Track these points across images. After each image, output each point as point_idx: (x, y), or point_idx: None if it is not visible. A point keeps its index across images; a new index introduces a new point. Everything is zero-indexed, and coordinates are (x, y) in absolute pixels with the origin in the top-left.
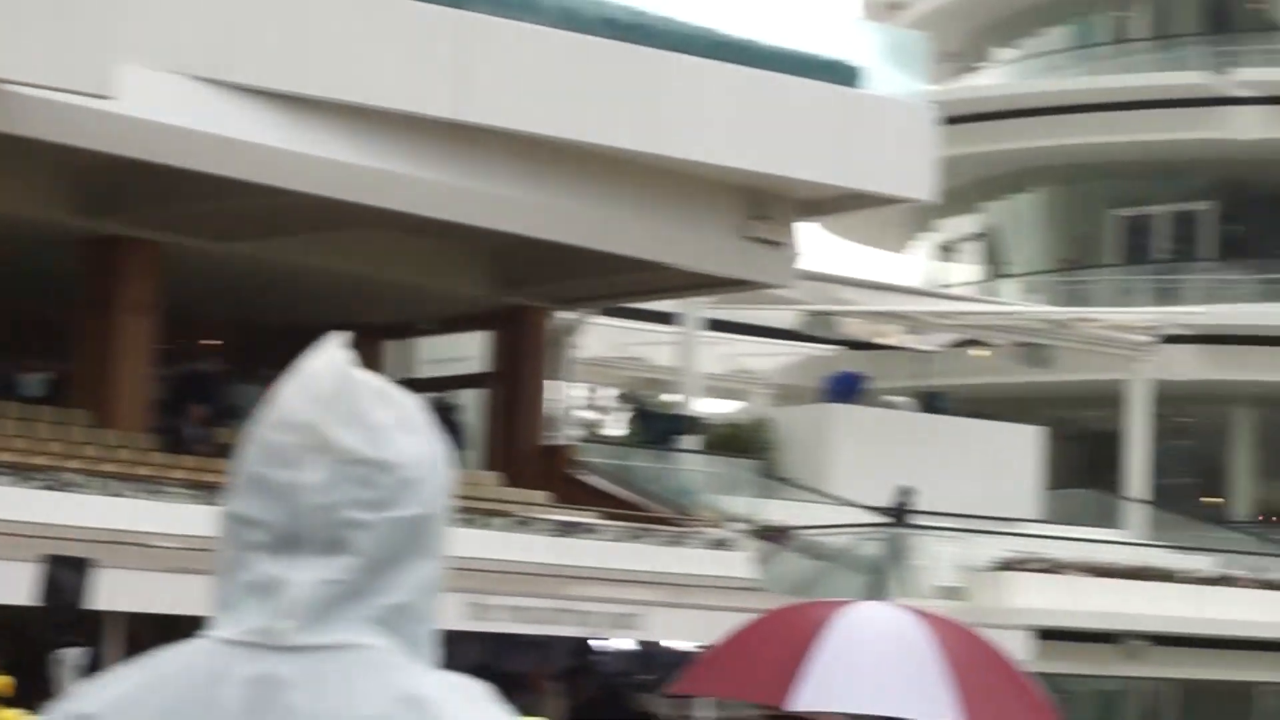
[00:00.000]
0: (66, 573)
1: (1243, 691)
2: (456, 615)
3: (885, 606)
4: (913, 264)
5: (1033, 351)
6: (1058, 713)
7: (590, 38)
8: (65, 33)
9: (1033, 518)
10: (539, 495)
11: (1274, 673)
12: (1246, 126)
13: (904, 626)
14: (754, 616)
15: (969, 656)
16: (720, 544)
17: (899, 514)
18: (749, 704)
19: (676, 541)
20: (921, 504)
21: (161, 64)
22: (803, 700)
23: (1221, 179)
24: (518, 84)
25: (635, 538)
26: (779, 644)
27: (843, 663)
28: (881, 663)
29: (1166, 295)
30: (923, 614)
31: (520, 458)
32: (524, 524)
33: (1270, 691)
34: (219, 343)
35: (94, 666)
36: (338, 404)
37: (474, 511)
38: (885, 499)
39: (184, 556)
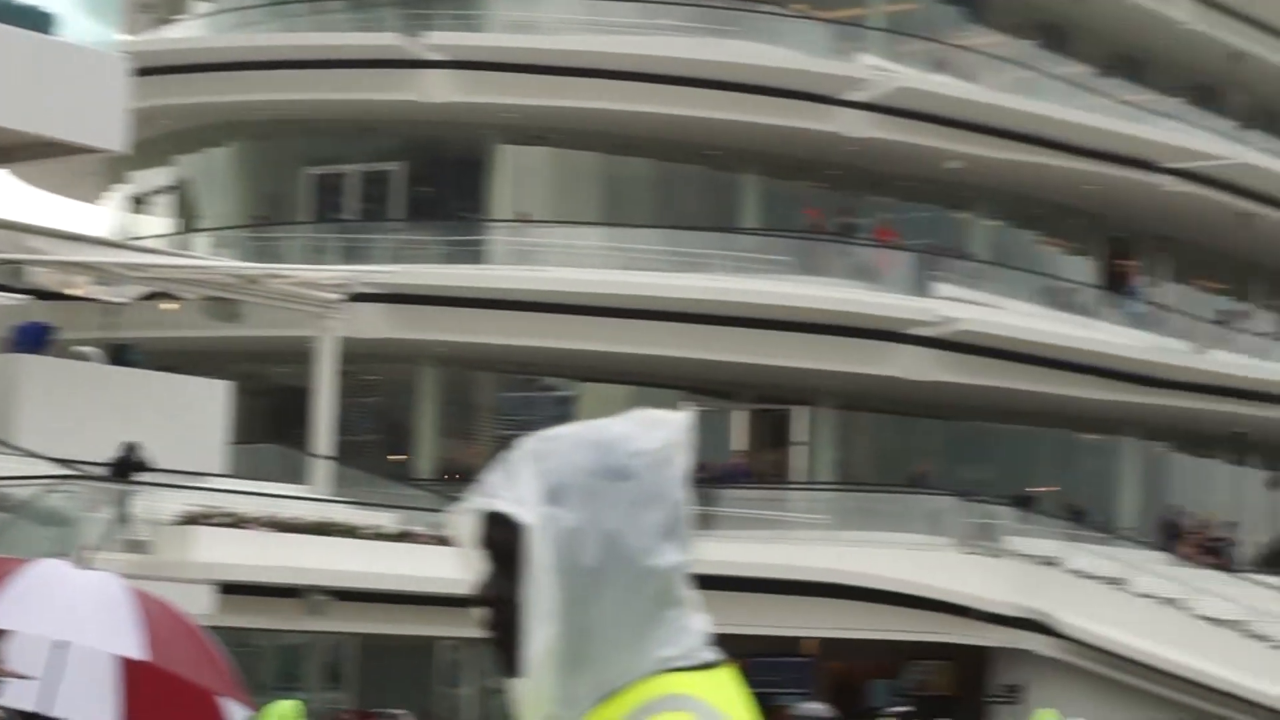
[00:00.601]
0: None
1: (424, 646)
2: None
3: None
4: (106, 215)
5: (222, 306)
6: (236, 669)
7: None
8: None
9: (219, 472)
10: None
11: (453, 627)
12: (436, 89)
13: (101, 577)
14: None
15: (158, 611)
16: None
17: (124, 468)
18: None
19: None
20: (107, 456)
21: None
22: None
23: (411, 140)
24: None
25: None
26: None
27: (39, 593)
28: (78, 598)
29: (356, 254)
30: (115, 573)
31: None
32: None
33: (449, 646)
34: None
35: None
36: None
37: None
38: (79, 451)
39: None
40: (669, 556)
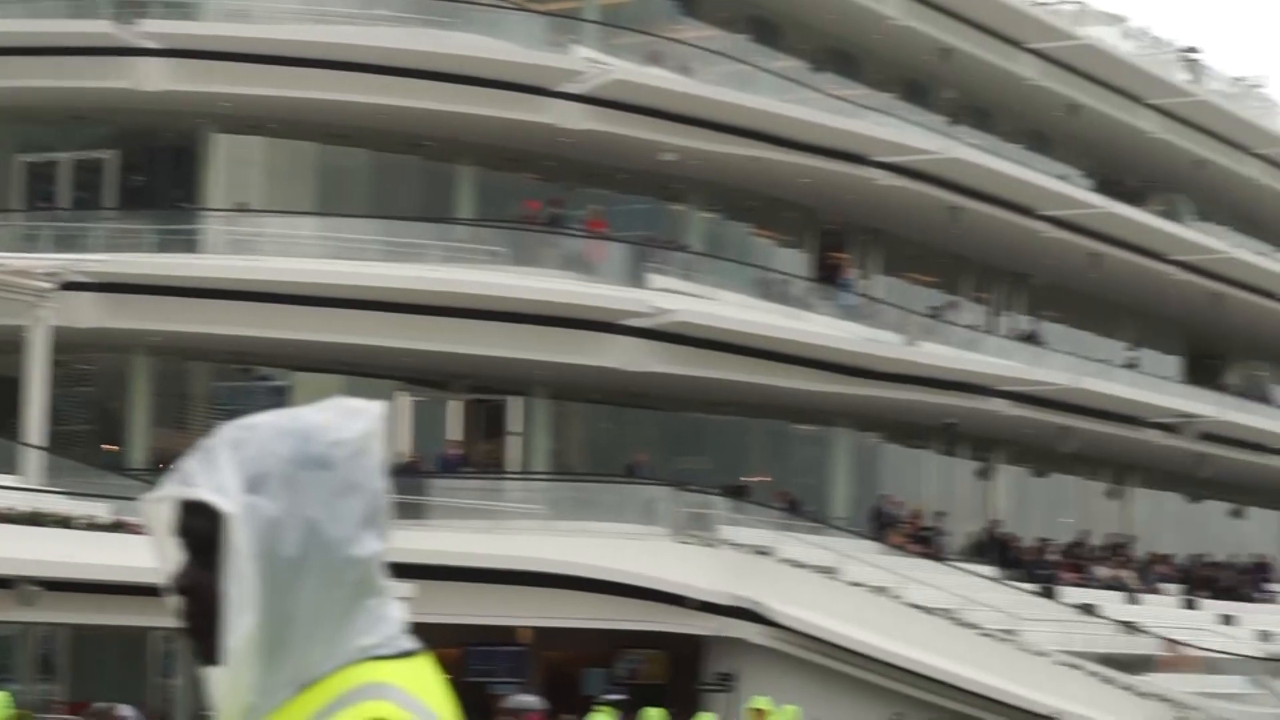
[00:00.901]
0: None
1: (138, 636)
2: None
3: None
4: None
5: None
6: None
7: None
8: None
9: None
10: None
11: (167, 618)
12: (150, 77)
13: None
14: None
15: None
16: None
17: None
18: None
19: None
20: None
21: None
22: None
23: (125, 128)
24: None
25: None
26: None
27: None
28: None
29: (69, 242)
30: None
31: None
32: None
33: (163, 636)
34: None
35: None
36: None
37: None
38: None
39: None
40: (369, 545)
